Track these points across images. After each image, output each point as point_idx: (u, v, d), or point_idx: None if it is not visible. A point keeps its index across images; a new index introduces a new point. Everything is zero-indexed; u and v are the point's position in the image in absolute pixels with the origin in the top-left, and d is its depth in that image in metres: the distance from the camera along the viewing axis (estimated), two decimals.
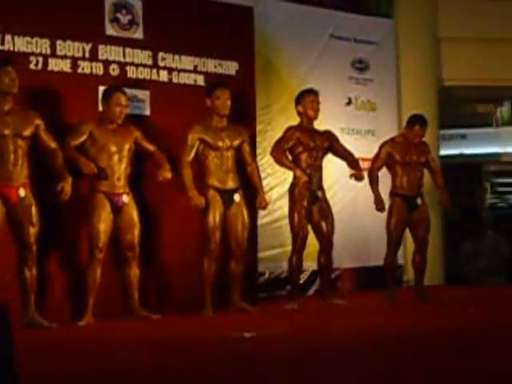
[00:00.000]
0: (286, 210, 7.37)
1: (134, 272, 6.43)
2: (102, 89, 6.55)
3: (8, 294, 5.87)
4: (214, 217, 6.64)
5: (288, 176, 7.38)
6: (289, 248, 7.32)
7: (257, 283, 7.57)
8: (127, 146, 6.41)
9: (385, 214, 7.45)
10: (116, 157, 6.35)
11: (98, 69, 6.70)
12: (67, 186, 5.96)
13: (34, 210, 5.92)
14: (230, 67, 7.38)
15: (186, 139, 6.63)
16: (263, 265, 7.79)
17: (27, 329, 5.72)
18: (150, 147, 6.54)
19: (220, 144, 6.73)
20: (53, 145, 6.07)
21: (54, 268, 6.39)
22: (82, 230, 6.42)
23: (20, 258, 5.96)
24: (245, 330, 5.55)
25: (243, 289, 6.93)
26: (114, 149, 6.34)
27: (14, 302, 5.84)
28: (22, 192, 5.89)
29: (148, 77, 6.96)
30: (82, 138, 6.28)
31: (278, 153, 7.08)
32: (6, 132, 5.87)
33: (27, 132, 5.96)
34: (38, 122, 6.02)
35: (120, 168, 6.35)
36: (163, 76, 7.05)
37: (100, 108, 6.49)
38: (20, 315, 5.85)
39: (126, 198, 6.36)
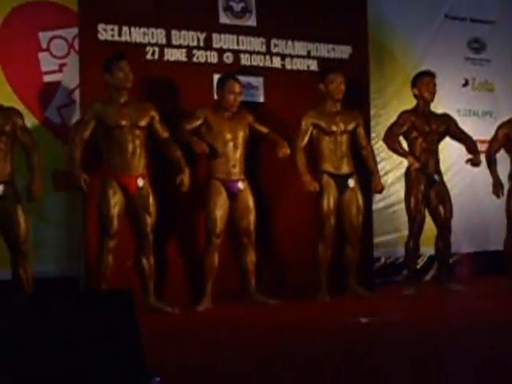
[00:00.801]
0: (401, 194, 7.29)
1: (251, 258, 6.48)
2: (216, 77, 6.62)
3: (130, 279, 6.06)
4: (329, 202, 6.64)
5: (403, 160, 7.27)
6: (405, 233, 7.24)
7: (373, 268, 7.51)
8: (242, 133, 6.47)
9: (505, 197, 7.27)
10: (231, 144, 6.41)
11: (213, 57, 6.77)
12: (186, 178, 6.07)
13: (151, 199, 6.05)
14: (344, 51, 7.31)
15: (300, 124, 6.64)
16: (379, 250, 7.71)
17: (148, 314, 5.85)
18: (264, 129, 6.58)
19: (334, 128, 6.71)
20: (165, 135, 6.17)
21: (173, 254, 6.52)
22: (199, 217, 6.52)
23: (137, 246, 6.11)
24: (362, 316, 5.54)
25: (359, 274, 6.90)
26: (229, 136, 6.41)
27: (135, 287, 6.04)
28: (140, 182, 6.03)
29: (261, 64, 6.98)
30: (197, 123, 6.36)
31: (390, 139, 7.00)
32: (124, 123, 6.01)
33: (143, 122, 6.08)
34: (153, 113, 6.14)
35: (235, 155, 6.41)
36: (276, 62, 7.05)
37: (215, 96, 6.57)
38: (140, 301, 6.01)
39: (241, 185, 6.42)
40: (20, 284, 5.67)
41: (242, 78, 6.62)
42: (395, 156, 7.52)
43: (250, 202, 6.44)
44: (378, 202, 7.74)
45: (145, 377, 1.89)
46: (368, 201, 7.06)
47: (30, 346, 1.82)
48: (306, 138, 6.66)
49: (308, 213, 6.78)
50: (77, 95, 6.44)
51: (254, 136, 6.59)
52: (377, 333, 5.07)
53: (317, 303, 6.54)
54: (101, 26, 6.36)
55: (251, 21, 6.97)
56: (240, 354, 4.57)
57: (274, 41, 7.04)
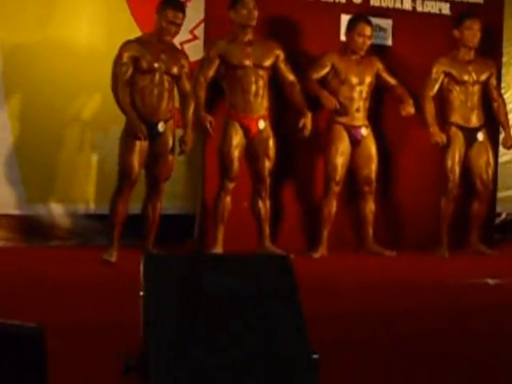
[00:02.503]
0: None
1: (370, 207, 6.32)
2: (344, 18, 6.38)
3: (245, 221, 5.98)
4: (454, 155, 6.38)
5: None
6: None
7: (495, 224, 7.24)
8: (369, 79, 6.25)
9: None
10: (357, 89, 6.21)
11: None
12: (308, 121, 5.91)
13: (271, 142, 5.92)
14: None
15: (430, 72, 6.36)
16: (501, 205, 7.39)
17: None
18: (392, 80, 6.35)
19: (466, 78, 6.41)
20: (291, 77, 6.00)
21: (290, 199, 6.39)
22: (318, 162, 6.36)
23: (254, 189, 6.01)
24: (485, 275, 5.32)
25: (480, 230, 6.65)
26: (355, 81, 6.20)
27: (250, 230, 5.96)
28: (261, 124, 5.90)
29: (391, 5, 6.67)
30: (324, 71, 6.19)
31: None
32: (247, 63, 5.86)
33: (268, 62, 5.92)
34: (278, 52, 5.97)
35: (360, 100, 6.21)
36: (407, 4, 6.73)
37: (341, 37, 6.35)
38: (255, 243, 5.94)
39: (364, 131, 6.23)
40: (146, 221, 5.75)
41: (371, 20, 6.34)
42: None
43: (373, 149, 6.25)
44: (502, 156, 7.40)
45: (306, 353, 1.76)
46: (495, 155, 6.77)
47: (195, 309, 1.72)
48: (436, 87, 6.38)
49: (432, 165, 6.53)
50: (200, 31, 6.31)
51: (380, 83, 6.35)
52: (506, 296, 4.84)
53: (436, 258, 6.33)
54: None
55: None
56: (354, 304, 4.49)
57: None
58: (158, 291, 1.77)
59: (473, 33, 6.36)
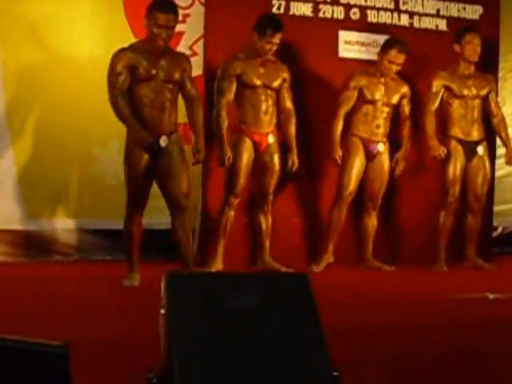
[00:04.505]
0: None
1: (372, 223, 6.38)
2: (342, 34, 6.47)
3: (244, 235, 6.01)
4: (455, 169, 6.42)
5: None
6: None
7: (491, 238, 7.28)
8: (394, 101, 6.32)
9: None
10: (380, 108, 6.28)
11: (339, 13, 6.56)
12: (295, 157, 5.97)
13: (276, 158, 5.96)
14: (474, 11, 6.99)
15: (431, 86, 6.41)
16: (496, 219, 7.45)
17: None
18: (404, 114, 6.40)
19: (466, 92, 6.46)
20: (288, 104, 6.03)
21: (287, 213, 6.38)
22: (317, 176, 6.42)
23: (256, 204, 6.03)
24: (484, 289, 5.34)
25: (477, 243, 6.68)
26: (380, 101, 6.26)
27: (247, 244, 6.02)
28: (270, 138, 5.95)
29: (389, 21, 6.74)
30: (352, 103, 6.23)
31: None
32: (258, 83, 5.89)
33: (276, 83, 5.96)
34: (286, 75, 6.00)
35: (381, 119, 6.28)
36: (404, 20, 6.79)
37: (340, 54, 6.46)
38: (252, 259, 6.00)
39: (381, 147, 6.29)
40: (178, 243, 5.42)
41: (368, 36, 6.49)
42: None
43: (386, 166, 6.33)
44: (499, 170, 7.45)
45: (328, 371, 1.79)
46: (492, 169, 6.82)
47: (218, 327, 1.75)
48: (438, 101, 6.42)
49: (432, 178, 6.59)
50: (199, 47, 6.35)
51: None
52: (506, 311, 4.86)
53: (434, 272, 6.36)
54: None
55: None
56: (352, 319, 4.47)
57: None
58: (180, 309, 1.80)
59: (473, 47, 6.40)
